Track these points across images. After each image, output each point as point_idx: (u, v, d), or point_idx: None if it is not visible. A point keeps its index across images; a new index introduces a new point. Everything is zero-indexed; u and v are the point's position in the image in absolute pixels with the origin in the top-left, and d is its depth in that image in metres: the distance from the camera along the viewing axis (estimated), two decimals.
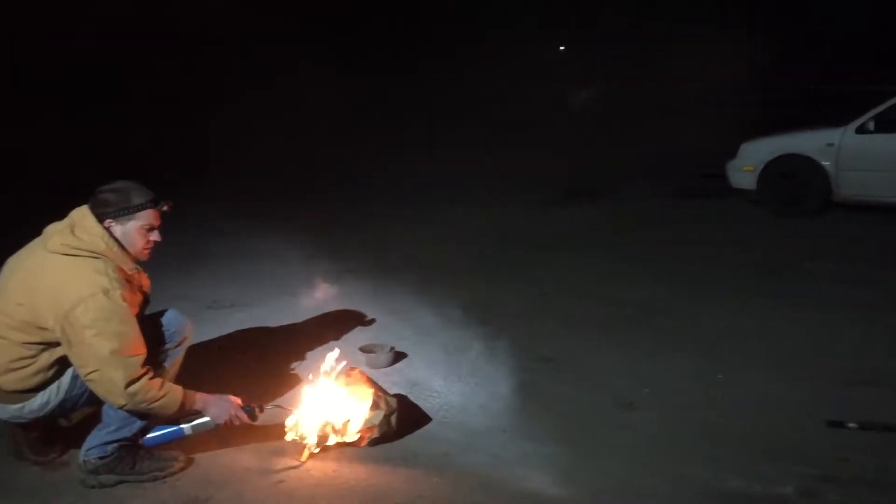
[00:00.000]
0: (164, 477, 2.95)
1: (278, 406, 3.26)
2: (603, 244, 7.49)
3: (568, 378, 4.08)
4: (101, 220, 2.82)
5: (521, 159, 12.18)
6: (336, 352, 3.40)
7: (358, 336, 4.60)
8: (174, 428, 2.95)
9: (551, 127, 15.18)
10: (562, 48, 24.82)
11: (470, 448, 3.26)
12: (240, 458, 3.14)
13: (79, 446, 2.95)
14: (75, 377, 2.82)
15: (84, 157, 10.61)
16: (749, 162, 9.10)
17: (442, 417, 3.58)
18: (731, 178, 9.36)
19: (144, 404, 2.75)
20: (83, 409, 2.99)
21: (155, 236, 2.95)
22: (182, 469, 3.01)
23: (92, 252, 2.77)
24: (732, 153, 9.36)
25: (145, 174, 3.32)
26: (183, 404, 2.85)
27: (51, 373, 2.80)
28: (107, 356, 2.66)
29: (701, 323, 4.94)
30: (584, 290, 5.78)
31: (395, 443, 3.27)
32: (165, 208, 2.96)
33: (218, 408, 2.96)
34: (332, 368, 3.31)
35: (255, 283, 5.92)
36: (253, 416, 3.07)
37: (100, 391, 2.74)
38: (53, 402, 2.84)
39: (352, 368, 3.42)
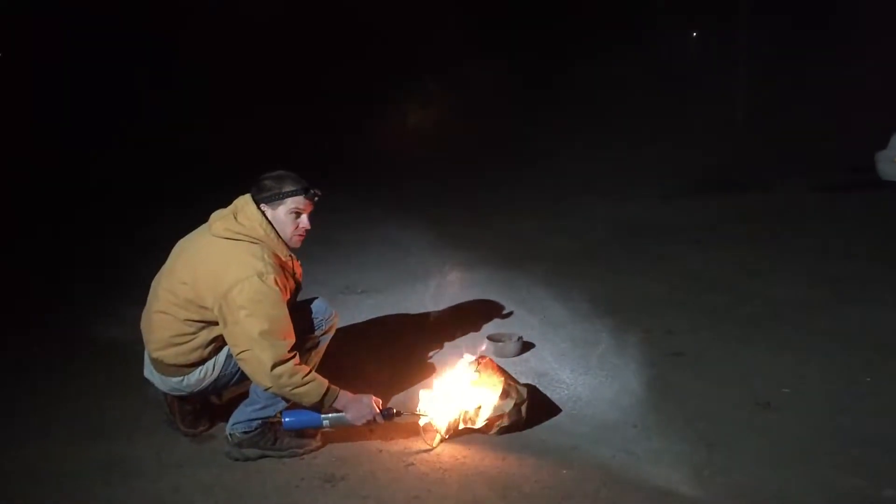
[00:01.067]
0: (303, 454, 3.08)
1: (415, 414, 3.28)
2: (738, 238, 7.21)
3: (701, 374, 3.95)
4: (258, 205, 2.98)
5: (658, 151, 11.88)
6: (475, 348, 3.48)
7: (486, 325, 4.62)
8: (314, 416, 3.04)
9: (692, 119, 14.70)
10: (694, 34, 23.94)
11: (599, 442, 3.22)
12: (372, 439, 3.23)
13: (225, 421, 3.13)
14: (230, 356, 2.99)
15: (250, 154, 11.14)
16: None
17: (570, 409, 3.55)
18: (881, 170, 8.81)
19: (288, 388, 2.87)
20: (234, 388, 3.18)
21: (304, 223, 3.07)
22: (319, 448, 3.13)
23: (251, 237, 2.92)
24: (882, 144, 8.81)
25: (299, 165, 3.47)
26: (325, 397, 2.96)
27: (208, 350, 2.98)
28: (256, 336, 2.80)
29: (848, 323, 4.65)
30: (719, 285, 5.59)
31: (524, 433, 3.28)
32: (316, 196, 3.09)
33: (358, 410, 3.04)
34: (467, 359, 3.37)
35: (386, 269, 6.07)
36: (389, 419, 3.15)
37: (248, 371, 2.88)
38: (209, 378, 3.02)
39: (482, 357, 3.45)
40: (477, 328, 4.54)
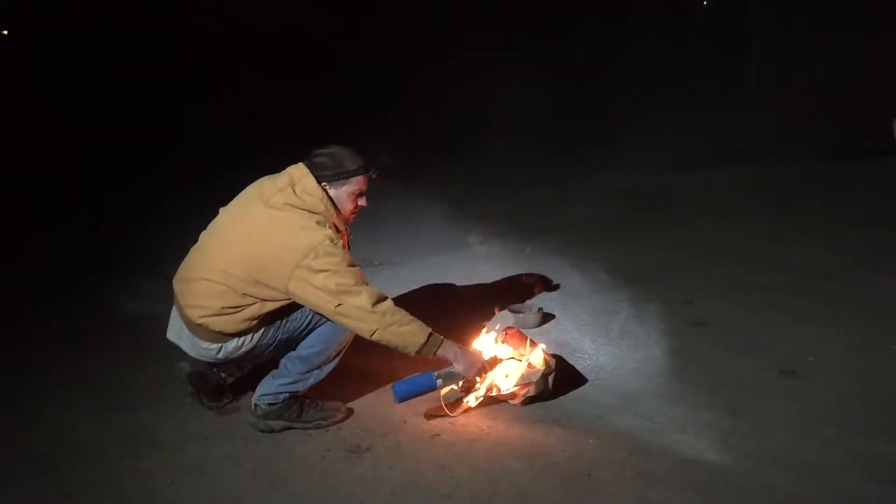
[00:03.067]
0: (328, 425, 3.09)
1: (517, 358, 3.27)
2: (754, 207, 7.13)
3: (725, 343, 3.93)
4: (318, 182, 2.94)
5: (671, 119, 11.77)
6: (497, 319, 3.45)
7: (506, 297, 4.60)
8: (425, 376, 3.03)
9: (704, 87, 14.53)
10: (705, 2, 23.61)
11: (624, 411, 3.21)
12: (397, 410, 3.23)
13: (250, 394, 3.13)
14: (271, 327, 2.97)
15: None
16: None
17: (594, 379, 3.54)
18: None
19: (394, 326, 2.83)
20: (261, 359, 3.17)
21: (363, 201, 3.06)
22: (344, 419, 3.14)
23: (312, 212, 2.88)
24: None
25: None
26: (430, 338, 2.92)
27: (254, 323, 2.92)
28: (345, 289, 2.77)
29: (871, 291, 4.60)
30: (739, 253, 5.53)
31: (548, 403, 3.27)
32: (375, 175, 3.07)
33: (468, 362, 3.03)
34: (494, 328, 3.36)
35: (403, 242, 6.05)
36: (493, 368, 3.16)
37: (350, 322, 2.83)
38: (245, 348, 2.98)
39: (509, 328, 3.43)
40: (496, 300, 4.52)
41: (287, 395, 3.04)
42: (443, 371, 3.02)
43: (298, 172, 2.95)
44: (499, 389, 3.18)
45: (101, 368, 3.76)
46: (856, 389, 3.35)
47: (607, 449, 2.91)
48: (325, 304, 2.79)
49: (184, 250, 3.12)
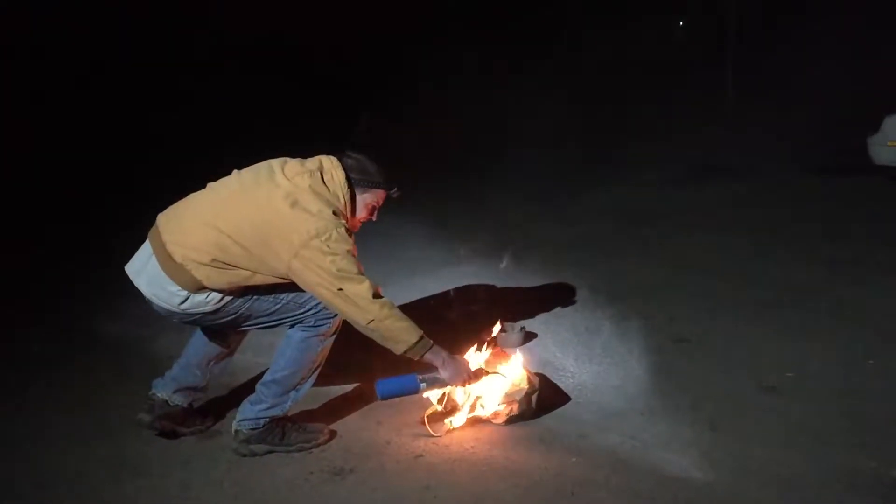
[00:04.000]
0: (311, 448, 3.07)
1: (497, 372, 3.28)
2: (735, 223, 7.20)
3: (706, 359, 3.96)
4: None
5: (651, 137, 11.89)
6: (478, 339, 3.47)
7: (486, 316, 4.61)
8: (409, 378, 3.03)
9: (683, 105, 14.70)
10: (681, 23, 23.91)
11: (607, 429, 3.23)
12: (380, 431, 3.23)
13: (229, 415, 3.11)
14: (240, 298, 2.90)
15: None
16: (895, 136, 8.52)
17: (576, 398, 3.56)
18: (874, 154, 8.79)
19: (389, 320, 2.82)
20: (211, 349, 3.18)
21: (374, 216, 3.10)
22: (327, 441, 3.13)
23: (330, 201, 2.88)
24: (874, 127, 8.80)
25: None
26: (421, 340, 2.91)
27: (233, 288, 2.85)
28: (348, 276, 2.75)
29: (850, 306, 4.65)
30: (720, 269, 5.59)
31: (532, 422, 3.28)
32: (396, 195, 3.11)
33: (454, 370, 3.02)
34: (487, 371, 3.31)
35: (383, 262, 6.04)
36: (479, 379, 3.14)
37: (349, 308, 2.79)
38: (208, 307, 2.87)
39: (490, 346, 3.45)
40: (478, 319, 4.53)
41: (268, 419, 3.02)
42: (427, 375, 3.02)
43: (330, 163, 2.97)
44: (482, 409, 3.19)
45: (82, 393, 3.72)
46: (835, 404, 3.38)
47: (590, 467, 2.91)
48: (327, 285, 2.75)
49: None
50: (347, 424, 3.30)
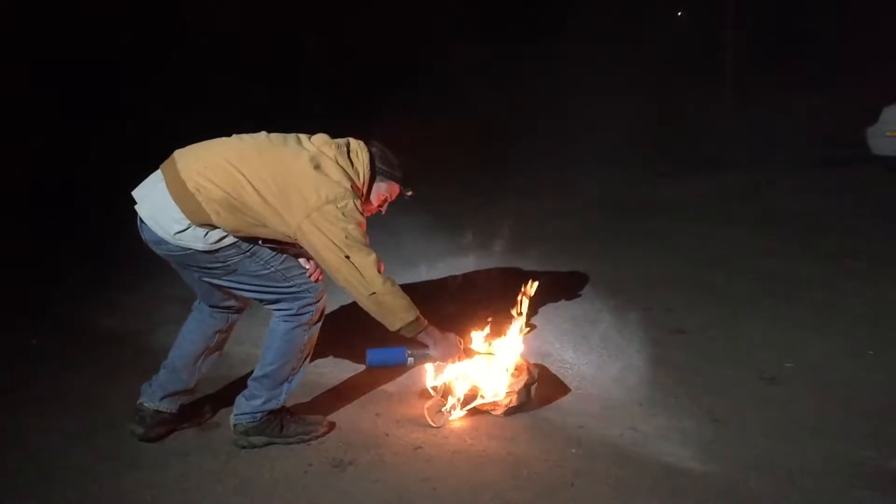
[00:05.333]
0: (310, 440, 3.07)
1: (488, 352, 3.31)
2: (734, 215, 7.22)
3: (704, 351, 3.95)
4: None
5: (650, 130, 11.89)
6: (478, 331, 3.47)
7: (484, 308, 4.60)
8: (399, 350, 3.06)
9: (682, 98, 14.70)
10: (679, 13, 23.90)
11: (606, 420, 3.22)
12: (379, 423, 3.23)
13: (227, 406, 3.10)
14: (239, 251, 2.85)
15: None
16: (893, 127, 8.52)
17: (575, 389, 3.55)
18: (872, 145, 8.81)
19: (390, 296, 2.84)
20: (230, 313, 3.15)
21: (384, 209, 3.11)
22: (325, 433, 3.12)
23: (351, 177, 2.89)
24: (873, 117, 8.81)
25: None
26: (417, 319, 2.93)
27: (236, 235, 2.82)
28: (357, 246, 2.77)
29: (848, 297, 4.65)
30: (717, 261, 5.58)
31: (531, 413, 3.27)
32: (409, 194, 3.15)
33: (445, 349, 3.04)
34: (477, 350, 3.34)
35: (381, 255, 6.02)
36: (469, 357, 3.17)
37: (352, 277, 2.79)
38: (206, 245, 2.79)
39: (489, 337, 3.44)
40: (476, 311, 4.51)
41: (265, 412, 3.01)
42: (417, 351, 3.04)
43: (357, 144, 3.00)
44: (483, 399, 3.18)
45: (79, 385, 3.72)
46: (835, 395, 3.37)
47: (590, 458, 2.91)
48: (335, 251, 2.76)
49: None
50: (346, 416, 3.29)
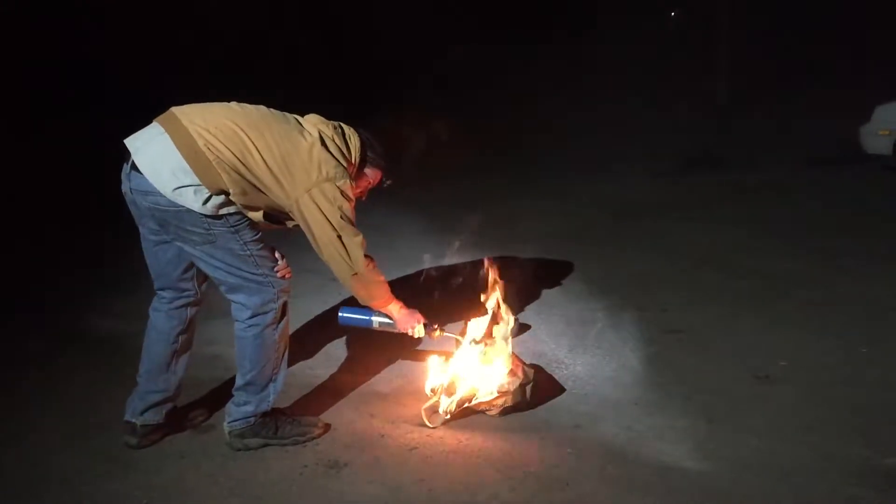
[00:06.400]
0: (305, 441, 3.06)
1: (452, 335, 3.45)
2: (727, 214, 7.25)
3: (699, 350, 3.96)
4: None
5: (645, 130, 11.92)
6: (482, 320, 3.51)
7: (473, 309, 4.60)
8: (366, 317, 3.27)
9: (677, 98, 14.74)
10: (672, 13, 23.92)
11: (601, 420, 3.23)
12: (374, 424, 3.23)
13: (222, 407, 3.10)
14: (228, 227, 2.79)
15: None
16: (885, 125, 8.57)
17: (570, 389, 3.56)
18: (865, 144, 8.86)
19: (371, 277, 2.99)
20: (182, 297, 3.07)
21: (364, 196, 3.18)
22: (321, 434, 3.12)
23: (346, 157, 2.93)
24: (866, 117, 8.85)
25: None
26: (385, 300, 3.13)
27: (245, 198, 2.78)
28: (348, 225, 2.84)
29: (841, 296, 4.68)
30: (711, 261, 5.61)
31: (526, 413, 3.28)
32: (388, 182, 3.20)
33: (405, 320, 3.22)
34: (473, 336, 3.41)
35: (375, 255, 6.02)
36: (430, 334, 3.30)
37: (340, 255, 2.86)
38: (197, 205, 2.70)
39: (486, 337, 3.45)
40: (471, 311, 4.52)
41: (258, 415, 3.00)
42: (383, 320, 3.24)
43: (349, 128, 3.04)
44: (478, 399, 3.19)
45: (75, 389, 3.70)
46: (829, 393, 3.39)
47: (585, 458, 2.91)
48: (327, 228, 2.80)
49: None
50: (341, 417, 3.29)
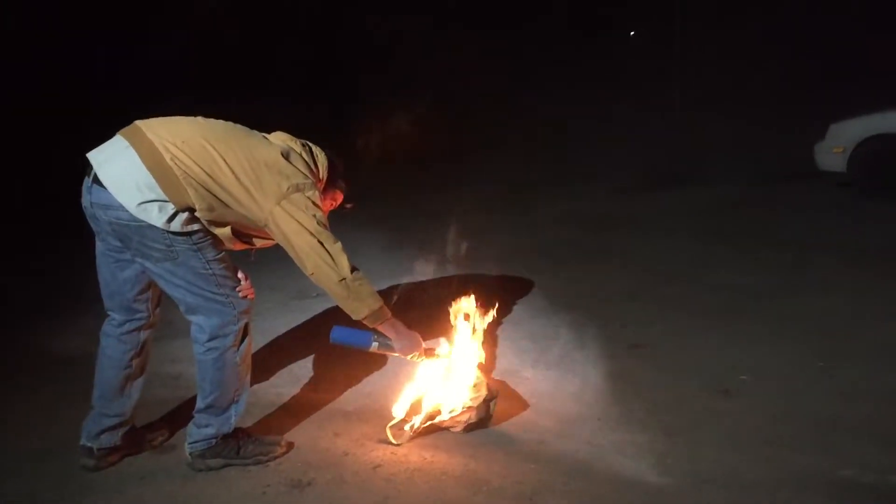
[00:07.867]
0: (268, 461, 3.03)
1: (443, 356, 3.34)
2: (686, 230, 7.35)
3: (660, 365, 4.01)
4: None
5: (603, 147, 12.07)
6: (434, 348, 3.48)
7: (441, 325, 4.61)
8: (364, 334, 3.09)
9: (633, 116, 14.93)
10: (632, 33, 24.25)
11: (564, 436, 3.25)
12: (338, 442, 3.21)
13: (184, 426, 3.06)
14: (187, 245, 2.75)
15: None
16: (839, 143, 8.77)
17: (534, 405, 3.57)
18: (819, 161, 9.05)
19: (357, 283, 2.85)
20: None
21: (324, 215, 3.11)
22: (284, 453, 3.09)
23: (314, 172, 2.95)
24: (820, 134, 9.05)
25: None
26: (382, 309, 2.95)
27: (212, 215, 2.75)
28: (326, 231, 2.80)
29: (797, 309, 4.76)
30: (671, 276, 5.69)
31: (489, 429, 3.29)
32: (348, 206, 3.22)
33: (407, 342, 3.09)
34: (437, 353, 3.36)
35: None
36: (430, 359, 3.24)
37: (324, 262, 2.79)
38: (157, 220, 2.66)
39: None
40: (434, 328, 4.52)
41: (219, 438, 2.97)
42: (382, 339, 3.08)
43: (316, 146, 3.05)
44: (442, 416, 3.19)
45: (27, 410, 3.63)
46: (787, 406, 3.45)
47: (549, 473, 2.93)
48: (306, 236, 2.76)
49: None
50: (305, 436, 3.27)
